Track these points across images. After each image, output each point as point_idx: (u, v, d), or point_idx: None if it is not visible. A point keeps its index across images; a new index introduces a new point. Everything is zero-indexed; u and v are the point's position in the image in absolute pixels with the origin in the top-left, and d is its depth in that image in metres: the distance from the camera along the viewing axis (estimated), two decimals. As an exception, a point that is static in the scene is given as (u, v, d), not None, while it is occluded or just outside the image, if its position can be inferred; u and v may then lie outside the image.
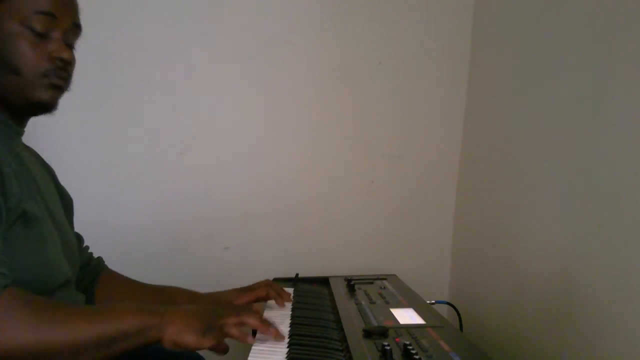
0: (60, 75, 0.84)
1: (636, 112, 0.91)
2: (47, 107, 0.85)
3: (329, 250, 1.62)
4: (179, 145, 1.54)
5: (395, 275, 1.49)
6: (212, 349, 0.84)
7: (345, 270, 1.52)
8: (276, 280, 1.46)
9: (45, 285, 0.81)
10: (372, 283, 1.38)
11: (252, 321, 0.87)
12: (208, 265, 1.57)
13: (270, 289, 1.13)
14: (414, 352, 0.84)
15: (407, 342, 0.87)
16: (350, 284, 1.32)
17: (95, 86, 1.42)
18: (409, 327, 1.00)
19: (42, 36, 0.81)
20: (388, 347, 0.85)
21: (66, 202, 1.02)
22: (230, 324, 0.84)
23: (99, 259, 1.10)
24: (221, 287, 1.32)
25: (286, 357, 0.86)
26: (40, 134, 0.98)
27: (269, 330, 0.88)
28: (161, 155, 1.53)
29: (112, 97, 1.48)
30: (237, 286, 1.49)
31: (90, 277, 1.05)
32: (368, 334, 0.95)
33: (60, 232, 0.89)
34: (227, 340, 0.87)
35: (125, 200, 1.51)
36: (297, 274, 1.44)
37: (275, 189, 1.59)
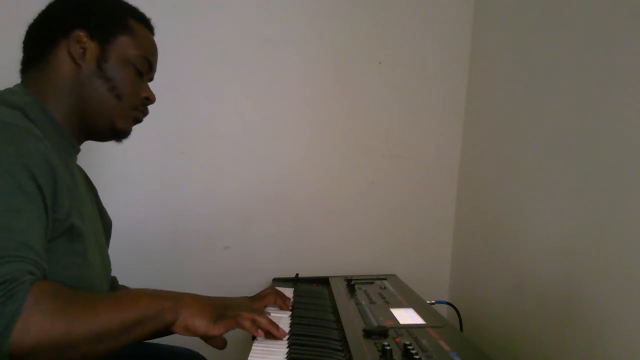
0: (145, 112, 0.99)
1: (636, 112, 0.91)
2: (124, 136, 0.97)
3: (329, 250, 1.62)
4: (180, 145, 1.54)
5: (395, 275, 1.49)
6: (212, 341, 0.86)
7: (345, 270, 1.52)
8: (276, 280, 1.46)
9: None
10: (372, 283, 1.38)
11: (264, 321, 0.91)
12: (208, 265, 1.57)
13: (277, 298, 1.16)
14: (414, 352, 0.84)
15: (407, 342, 0.87)
16: (350, 284, 1.32)
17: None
18: (409, 327, 1.00)
19: (139, 75, 0.95)
20: (388, 347, 0.85)
21: (105, 224, 1.06)
22: (245, 316, 0.89)
23: (113, 278, 1.12)
24: (221, 287, 1.32)
25: (286, 357, 0.86)
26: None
27: (277, 331, 0.92)
28: (161, 155, 1.53)
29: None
30: (237, 286, 1.49)
31: None
32: (368, 334, 0.95)
33: (101, 252, 0.94)
34: (230, 339, 0.87)
35: (125, 200, 1.51)
36: (297, 274, 1.44)
37: (275, 189, 1.59)
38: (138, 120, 0.98)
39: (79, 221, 0.82)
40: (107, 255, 1.03)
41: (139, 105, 0.96)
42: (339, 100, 1.60)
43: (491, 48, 1.52)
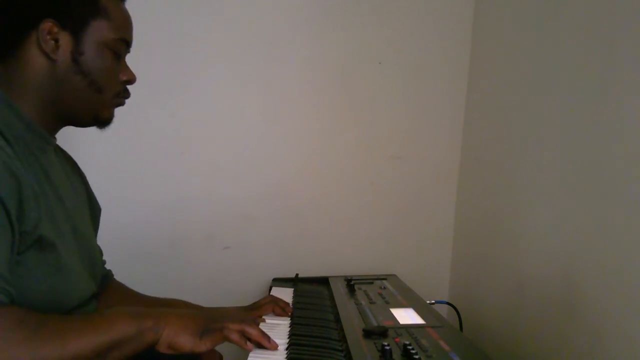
0: (126, 95, 0.91)
1: (636, 112, 0.91)
2: (108, 124, 0.90)
3: (329, 250, 1.62)
4: (179, 145, 1.54)
5: (395, 275, 1.50)
6: (204, 357, 0.84)
7: (345, 270, 1.52)
8: (276, 280, 1.46)
9: (63, 306, 0.81)
10: (372, 283, 1.39)
11: (253, 332, 0.86)
12: (208, 265, 1.57)
13: (275, 306, 1.12)
14: (413, 352, 0.84)
15: (407, 342, 0.87)
16: (350, 284, 1.32)
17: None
18: (408, 327, 1.00)
19: (117, 58, 0.88)
20: (388, 347, 0.85)
21: (94, 211, 1.02)
22: (231, 328, 0.84)
23: (108, 272, 1.10)
24: (221, 287, 1.32)
25: (286, 357, 0.86)
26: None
27: (269, 343, 0.87)
28: (161, 155, 1.53)
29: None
30: (237, 286, 1.50)
31: (99, 291, 1.04)
32: (368, 334, 0.95)
33: (83, 248, 0.89)
34: (226, 343, 0.86)
35: (125, 200, 1.51)
36: (297, 274, 1.44)
37: (275, 189, 1.59)
38: (120, 105, 0.91)
39: (49, 230, 0.77)
40: (94, 248, 0.97)
41: (120, 91, 0.89)
42: (339, 100, 1.60)
43: (491, 48, 1.52)
